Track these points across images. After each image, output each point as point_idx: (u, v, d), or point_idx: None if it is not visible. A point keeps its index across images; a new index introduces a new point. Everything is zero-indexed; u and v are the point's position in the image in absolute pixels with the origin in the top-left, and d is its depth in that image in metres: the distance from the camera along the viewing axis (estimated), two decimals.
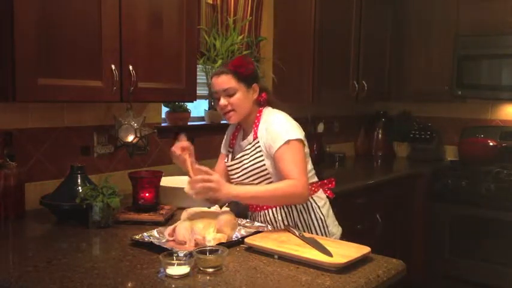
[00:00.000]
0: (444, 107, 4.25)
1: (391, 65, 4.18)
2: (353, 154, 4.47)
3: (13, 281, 1.44)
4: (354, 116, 4.45)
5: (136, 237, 1.77)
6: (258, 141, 2.00)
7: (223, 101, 1.99)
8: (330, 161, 3.97)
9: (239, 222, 1.95)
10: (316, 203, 2.08)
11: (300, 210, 2.05)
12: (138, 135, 2.31)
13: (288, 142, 1.91)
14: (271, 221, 2.05)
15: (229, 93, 1.97)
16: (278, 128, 1.95)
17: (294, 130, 1.96)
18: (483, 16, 3.72)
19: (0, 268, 1.54)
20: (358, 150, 4.49)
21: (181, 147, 1.97)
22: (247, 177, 2.04)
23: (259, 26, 3.45)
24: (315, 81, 3.41)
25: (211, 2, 3.10)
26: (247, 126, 2.09)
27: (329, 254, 1.60)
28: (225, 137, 2.24)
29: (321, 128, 3.86)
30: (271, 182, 2.00)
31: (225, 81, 1.97)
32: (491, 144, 3.83)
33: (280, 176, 1.94)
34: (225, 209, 1.89)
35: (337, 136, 4.28)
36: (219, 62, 2.98)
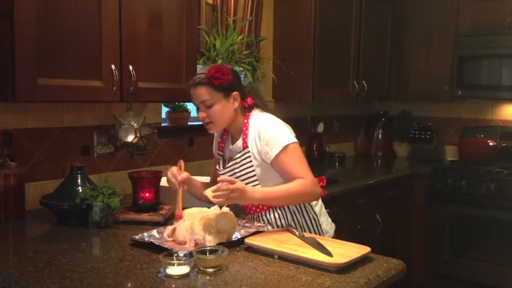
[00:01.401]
0: (444, 107, 4.25)
1: (391, 65, 4.18)
2: (353, 154, 4.47)
3: (13, 281, 1.44)
4: (354, 116, 4.45)
5: (136, 237, 1.77)
6: (249, 151, 1.98)
7: (201, 113, 1.98)
8: (330, 161, 3.96)
9: (239, 222, 1.95)
10: (308, 203, 2.07)
11: (294, 211, 2.05)
12: (138, 135, 2.31)
13: (285, 147, 1.91)
14: (265, 223, 2.04)
15: (206, 105, 1.95)
16: (272, 134, 1.93)
17: (287, 134, 1.96)
18: (483, 16, 3.72)
19: (0, 268, 1.54)
20: (358, 150, 4.49)
21: (181, 180, 1.94)
22: None
23: (259, 26, 3.45)
24: (315, 81, 3.41)
25: (211, 2, 3.10)
26: (234, 131, 2.06)
27: (329, 254, 1.60)
28: (214, 139, 2.22)
29: (321, 128, 3.86)
30: None
31: (202, 93, 1.94)
32: (491, 144, 3.83)
33: (285, 179, 1.95)
34: (225, 209, 1.89)
35: (337, 136, 4.28)
36: (219, 62, 2.98)
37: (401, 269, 1.65)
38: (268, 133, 1.94)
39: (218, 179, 1.82)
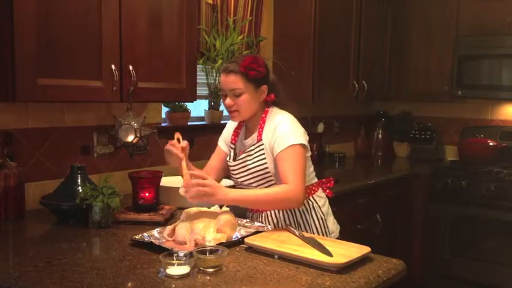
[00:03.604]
0: (444, 107, 4.25)
1: (391, 65, 4.18)
2: (353, 154, 4.47)
3: (13, 281, 1.44)
4: (354, 116, 4.45)
5: (136, 237, 1.77)
6: (263, 144, 1.99)
7: (229, 101, 1.99)
8: (330, 161, 3.97)
9: (239, 222, 1.95)
10: (317, 203, 2.09)
11: (302, 211, 2.05)
12: (138, 135, 2.31)
13: (291, 146, 1.91)
14: (272, 222, 2.05)
15: (236, 94, 1.96)
16: (284, 131, 1.94)
17: (299, 134, 1.96)
18: (483, 16, 3.72)
19: (0, 268, 1.54)
20: (358, 150, 4.49)
21: (182, 147, 1.95)
22: (249, 178, 2.04)
23: (259, 26, 3.45)
24: (315, 81, 3.41)
25: (211, 2, 3.10)
26: (251, 124, 2.07)
27: (329, 254, 1.60)
28: (225, 130, 2.22)
29: (321, 128, 3.86)
30: (273, 184, 2.00)
31: (233, 81, 1.95)
32: (491, 144, 3.83)
33: (277, 177, 1.96)
34: (225, 209, 1.90)
35: (337, 136, 4.28)
36: (219, 62, 2.98)
37: (401, 269, 1.65)
38: (282, 130, 1.95)
39: (189, 172, 1.81)
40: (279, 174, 1.93)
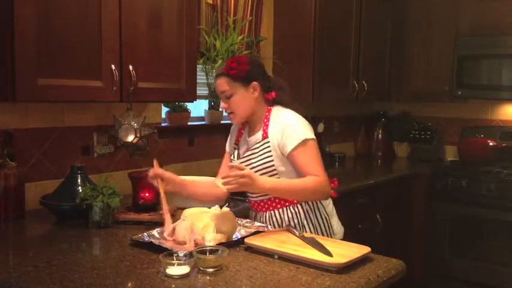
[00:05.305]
0: (444, 107, 4.25)
1: (391, 65, 4.18)
2: (353, 154, 4.47)
3: (13, 281, 1.44)
4: (354, 116, 4.45)
5: (136, 237, 1.77)
6: (269, 141, 1.99)
7: (223, 104, 2.01)
8: (330, 161, 3.96)
9: (239, 222, 1.95)
10: (321, 203, 2.08)
11: (307, 210, 2.04)
12: (138, 135, 2.31)
13: (304, 141, 1.93)
14: (277, 222, 2.04)
15: (226, 96, 1.98)
16: (294, 128, 1.95)
17: (309, 130, 1.98)
18: (483, 16, 3.72)
19: (0, 268, 1.54)
20: (358, 150, 4.49)
21: (154, 173, 1.93)
22: None
23: (259, 26, 3.45)
24: (315, 81, 3.41)
25: (211, 2, 3.10)
26: (253, 123, 2.06)
27: (329, 254, 1.60)
28: (230, 134, 2.22)
29: (321, 128, 3.86)
30: None
31: (221, 84, 1.97)
32: (491, 144, 3.83)
33: (298, 174, 1.95)
34: (225, 209, 1.89)
35: (337, 136, 4.28)
36: (219, 62, 2.98)
37: (401, 269, 1.65)
38: (290, 127, 1.95)
39: (228, 164, 1.85)
40: (301, 170, 1.93)
